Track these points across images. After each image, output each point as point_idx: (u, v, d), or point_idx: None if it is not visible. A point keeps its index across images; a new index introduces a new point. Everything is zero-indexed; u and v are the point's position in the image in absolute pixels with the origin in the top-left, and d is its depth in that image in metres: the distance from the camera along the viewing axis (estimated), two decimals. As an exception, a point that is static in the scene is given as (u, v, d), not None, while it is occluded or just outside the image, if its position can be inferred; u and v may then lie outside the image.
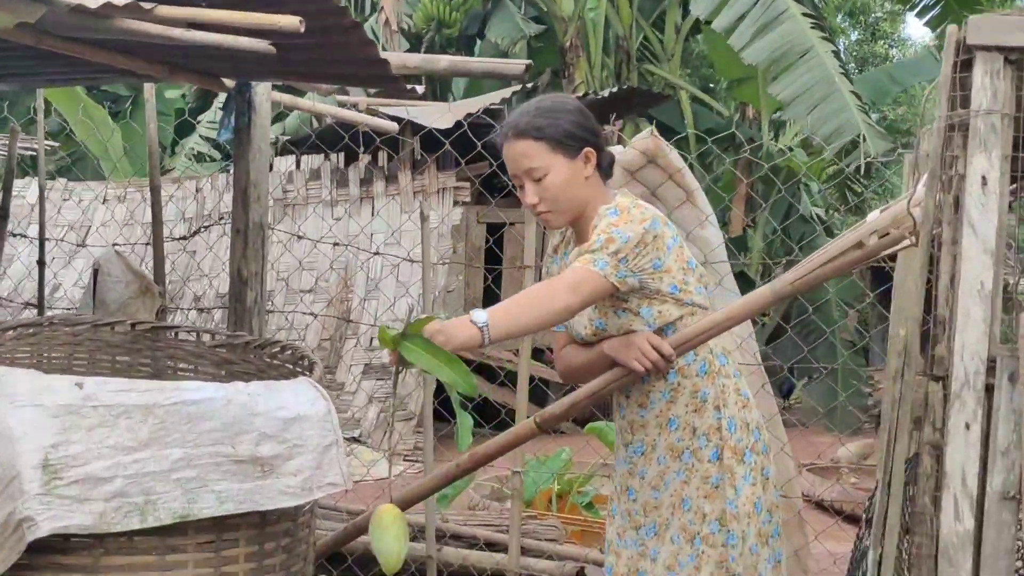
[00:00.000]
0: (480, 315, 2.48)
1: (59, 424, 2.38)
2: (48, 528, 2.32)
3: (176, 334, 3.33)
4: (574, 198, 2.72)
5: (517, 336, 2.69)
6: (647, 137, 3.61)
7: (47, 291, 9.93)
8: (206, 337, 3.32)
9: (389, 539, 2.42)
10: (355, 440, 7.98)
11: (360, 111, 5.26)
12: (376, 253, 4.43)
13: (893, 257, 3.28)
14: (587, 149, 2.71)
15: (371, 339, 8.51)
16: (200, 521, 2.50)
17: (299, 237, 6.76)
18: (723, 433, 2.78)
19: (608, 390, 2.83)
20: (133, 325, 3.31)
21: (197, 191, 9.88)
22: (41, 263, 4.81)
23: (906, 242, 2.44)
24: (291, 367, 3.08)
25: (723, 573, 2.78)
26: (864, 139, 8.93)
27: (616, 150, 3.72)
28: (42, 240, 4.64)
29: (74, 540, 2.43)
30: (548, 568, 3.87)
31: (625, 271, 2.62)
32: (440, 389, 2.94)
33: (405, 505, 3.37)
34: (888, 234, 2.51)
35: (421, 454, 4.61)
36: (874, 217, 2.55)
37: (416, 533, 4.07)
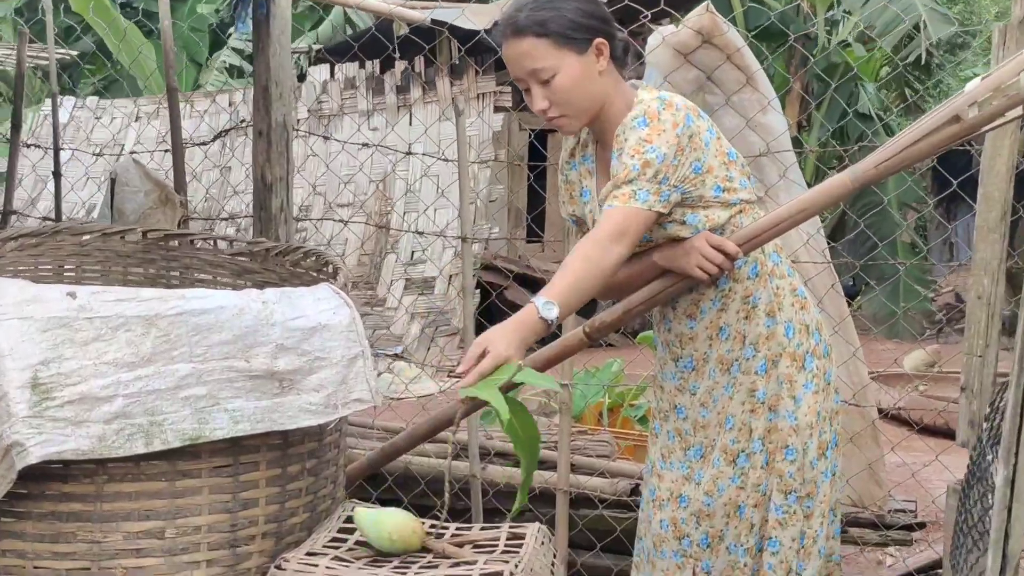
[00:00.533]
0: (548, 310, 2.22)
1: (50, 339, 2.12)
2: (40, 454, 2.07)
3: (193, 242, 3.07)
4: (589, 97, 2.40)
5: None
6: (702, 13, 3.25)
7: (81, 213, 9.78)
8: (224, 245, 3.05)
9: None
10: (397, 357, 7.77)
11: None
12: (408, 153, 4.11)
13: (979, 139, 2.94)
14: (598, 40, 2.38)
15: (411, 253, 8.26)
16: (214, 443, 2.25)
17: (325, 138, 6.43)
18: (780, 339, 2.50)
19: (662, 297, 2.54)
20: (145, 233, 3.04)
21: (230, 104, 9.60)
22: (57, 175, 4.58)
23: (1015, 112, 2.10)
24: (315, 275, 2.81)
25: (765, 498, 2.52)
26: (924, 25, 8.42)
27: (666, 30, 3.37)
28: (56, 150, 4.39)
29: (74, 467, 2.19)
30: (599, 486, 3.62)
31: (668, 191, 2.34)
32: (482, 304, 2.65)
33: (443, 425, 3.12)
34: (989, 105, 2.17)
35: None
36: (973, 87, 2.21)
37: (459, 452, 3.83)
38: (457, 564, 2.15)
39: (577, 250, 2.34)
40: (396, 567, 2.16)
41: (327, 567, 2.11)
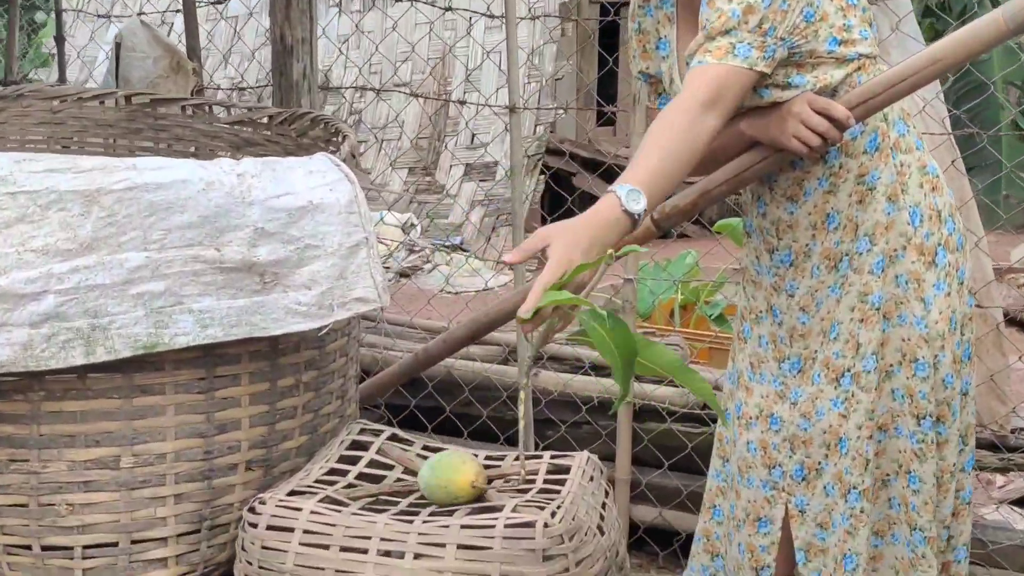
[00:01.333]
0: (632, 199, 1.68)
1: (-41, 219, 1.67)
2: (-57, 366, 1.64)
3: (185, 109, 2.59)
4: None
5: None
6: None
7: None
8: (221, 112, 2.57)
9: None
10: (457, 248, 7.30)
11: None
12: (448, 8, 3.56)
13: None
14: None
15: (472, 137, 7.73)
16: (180, 353, 1.79)
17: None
18: (903, 229, 1.97)
19: (749, 176, 2.03)
20: (128, 98, 2.57)
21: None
22: (60, 39, 4.12)
23: None
24: (325, 147, 2.32)
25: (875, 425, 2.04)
26: None
27: None
28: (59, 12, 3.93)
29: (3, 381, 1.75)
30: (670, 396, 3.13)
31: (774, 45, 1.82)
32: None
33: (488, 329, 2.65)
34: None
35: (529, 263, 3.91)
36: None
37: (507, 355, 3.36)
38: (475, 512, 1.69)
39: (661, 122, 1.82)
40: (401, 513, 1.69)
41: (313, 511, 1.65)
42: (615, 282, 3.23)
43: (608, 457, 3.22)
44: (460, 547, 1.59)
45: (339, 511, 1.65)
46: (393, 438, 1.98)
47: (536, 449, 3.24)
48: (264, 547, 1.64)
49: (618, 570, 1.75)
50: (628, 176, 1.73)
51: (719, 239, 3.81)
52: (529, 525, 1.60)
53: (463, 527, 1.61)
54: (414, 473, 1.83)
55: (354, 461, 1.89)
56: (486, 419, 3.32)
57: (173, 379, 1.81)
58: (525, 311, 1.56)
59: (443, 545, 1.59)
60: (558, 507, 1.67)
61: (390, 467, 1.89)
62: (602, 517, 1.79)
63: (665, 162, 1.75)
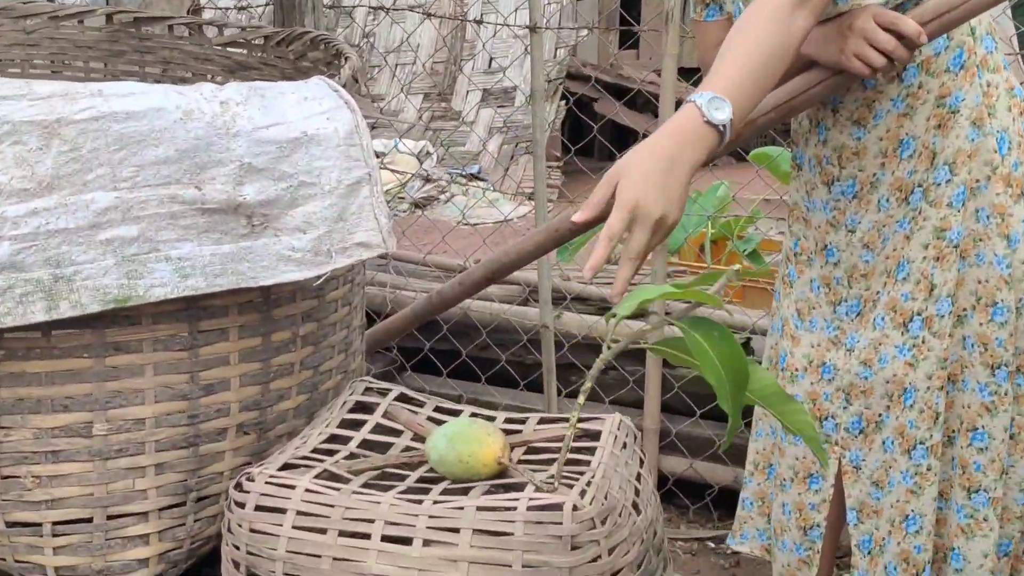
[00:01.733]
0: (715, 108, 1.46)
1: None
2: None
3: (172, 28, 2.34)
4: None
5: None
6: None
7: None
8: (212, 32, 2.33)
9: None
10: (474, 177, 7.04)
11: None
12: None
13: None
14: None
15: (489, 60, 7.43)
16: (159, 306, 1.58)
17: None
18: (988, 157, 1.75)
19: (802, 102, 1.80)
20: (109, 17, 2.33)
21: None
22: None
23: None
24: (326, 70, 2.08)
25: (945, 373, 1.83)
26: None
27: None
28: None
29: (-43, 338, 1.54)
30: (701, 340, 2.91)
31: None
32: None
33: (509, 270, 2.43)
34: None
35: (550, 192, 3.61)
36: None
37: (527, 295, 3.14)
38: (494, 491, 1.47)
39: (744, 23, 1.59)
40: (409, 490, 1.48)
41: (309, 489, 1.44)
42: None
43: (636, 405, 3.01)
44: (476, 532, 1.38)
45: (338, 488, 1.44)
46: (402, 398, 1.77)
47: (559, 396, 3.04)
48: (253, 530, 1.44)
49: (656, 553, 1.54)
50: (708, 84, 1.50)
51: (751, 169, 3.56)
52: (555, 508, 1.39)
53: (480, 509, 1.39)
54: (424, 440, 1.62)
55: (357, 426, 1.68)
56: (505, 363, 3.11)
57: (151, 335, 1.60)
58: (624, 311, 1.35)
59: (457, 530, 1.38)
60: (588, 484, 1.46)
61: (398, 432, 1.68)
62: (637, 492, 1.58)
63: (751, 67, 1.53)
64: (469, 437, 1.49)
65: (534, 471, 1.52)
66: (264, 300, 1.69)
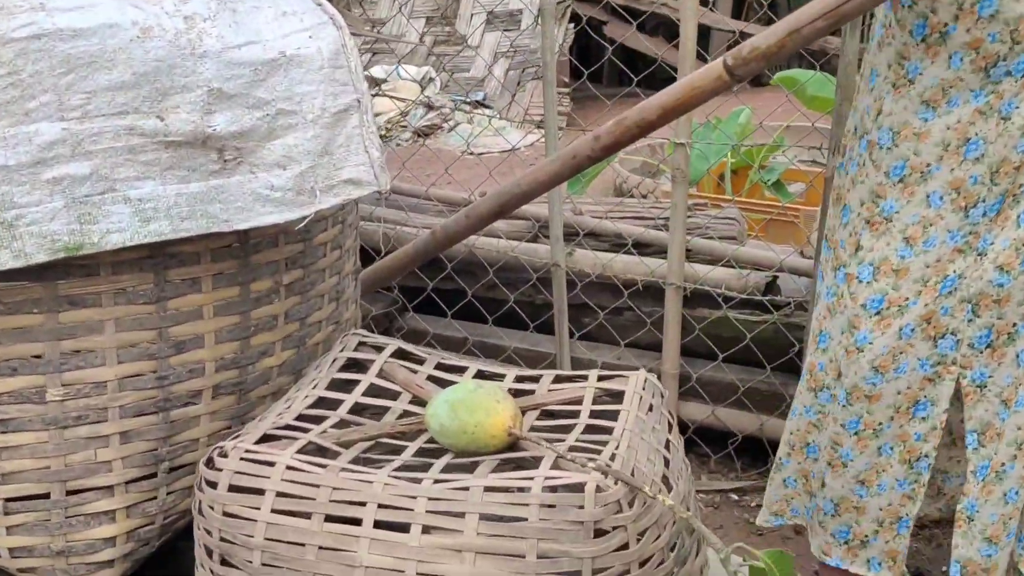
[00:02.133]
0: None
1: None
2: None
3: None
4: None
5: None
6: None
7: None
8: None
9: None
10: (479, 104, 6.79)
11: None
12: None
13: None
14: None
15: (496, -21, 7.13)
16: (123, 253, 1.37)
17: None
18: None
19: (852, 9, 1.57)
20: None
21: None
22: None
23: None
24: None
25: None
26: None
27: None
28: None
29: None
30: (724, 279, 2.71)
31: None
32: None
33: (519, 203, 2.23)
34: None
35: (560, 120, 3.37)
36: None
37: (537, 231, 2.94)
38: (504, 466, 1.29)
39: None
40: (406, 467, 1.29)
41: (291, 467, 1.25)
42: (656, 142, 2.77)
43: (653, 348, 2.82)
44: (484, 518, 1.19)
45: (324, 465, 1.25)
46: (399, 354, 1.57)
47: (572, 339, 2.84)
48: (227, 513, 1.25)
49: (689, 534, 1.35)
50: None
51: (772, 94, 3.32)
52: (576, 488, 1.19)
53: (488, 490, 1.20)
54: (424, 404, 1.43)
55: (348, 387, 1.48)
56: (513, 304, 2.91)
57: (112, 286, 1.40)
58: None
59: (461, 515, 1.19)
60: (612, 457, 1.27)
61: (394, 395, 1.49)
62: (667, 463, 1.39)
63: None
64: (474, 404, 1.29)
65: (550, 441, 1.33)
66: (241, 245, 1.49)
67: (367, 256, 2.74)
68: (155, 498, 1.49)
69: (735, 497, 2.72)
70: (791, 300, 2.65)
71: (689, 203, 2.74)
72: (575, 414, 1.45)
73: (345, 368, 1.53)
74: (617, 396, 1.48)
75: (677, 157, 2.56)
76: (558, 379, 1.55)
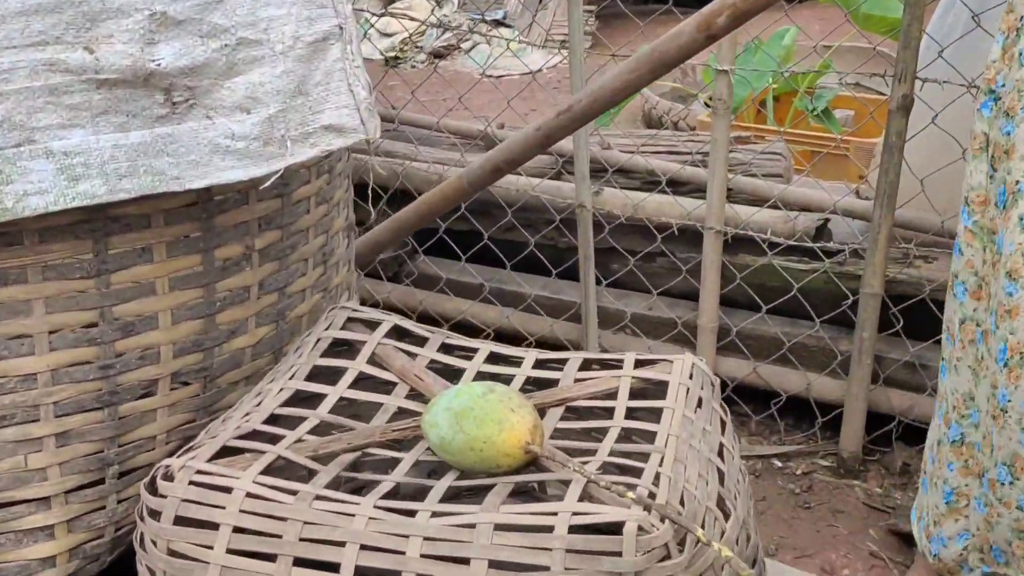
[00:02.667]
0: None
1: None
2: None
3: None
4: None
5: None
6: None
7: None
8: None
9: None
10: (498, 23, 6.43)
11: None
12: None
13: None
14: None
15: None
16: (48, 219, 1.11)
17: None
18: None
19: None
20: None
21: None
22: None
23: None
24: None
25: None
26: None
27: None
28: None
29: None
30: (769, 222, 2.42)
31: None
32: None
33: (533, 149, 1.95)
34: None
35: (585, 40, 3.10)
36: None
37: (561, 168, 2.65)
38: (518, 494, 1.03)
39: None
40: (395, 492, 1.04)
41: (251, 494, 0.99)
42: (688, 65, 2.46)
43: (688, 297, 2.55)
44: (494, 566, 0.93)
45: (295, 492, 1.00)
46: (396, 333, 1.31)
47: (599, 286, 2.57)
48: (172, 552, 1.00)
49: (752, 565, 1.09)
50: None
51: (819, 11, 3.00)
52: (611, 529, 0.94)
53: (500, 528, 0.95)
54: (425, 399, 1.17)
55: (333, 377, 1.22)
56: (534, 248, 2.64)
57: (39, 259, 1.14)
58: None
59: (466, 561, 0.94)
60: (654, 479, 1.01)
61: (389, 387, 1.23)
62: (721, 477, 1.13)
63: None
64: (484, 415, 1.03)
65: (577, 452, 1.07)
66: (202, 204, 1.22)
67: (374, 195, 2.48)
68: (103, 508, 1.24)
69: (778, 464, 2.46)
70: (844, 246, 2.37)
71: (732, 135, 2.44)
72: (608, 412, 1.19)
73: (330, 352, 1.27)
74: (659, 388, 1.22)
75: (719, 85, 2.26)
76: (587, 364, 1.28)
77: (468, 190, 2.14)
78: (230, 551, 0.97)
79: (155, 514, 1.00)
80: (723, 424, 1.23)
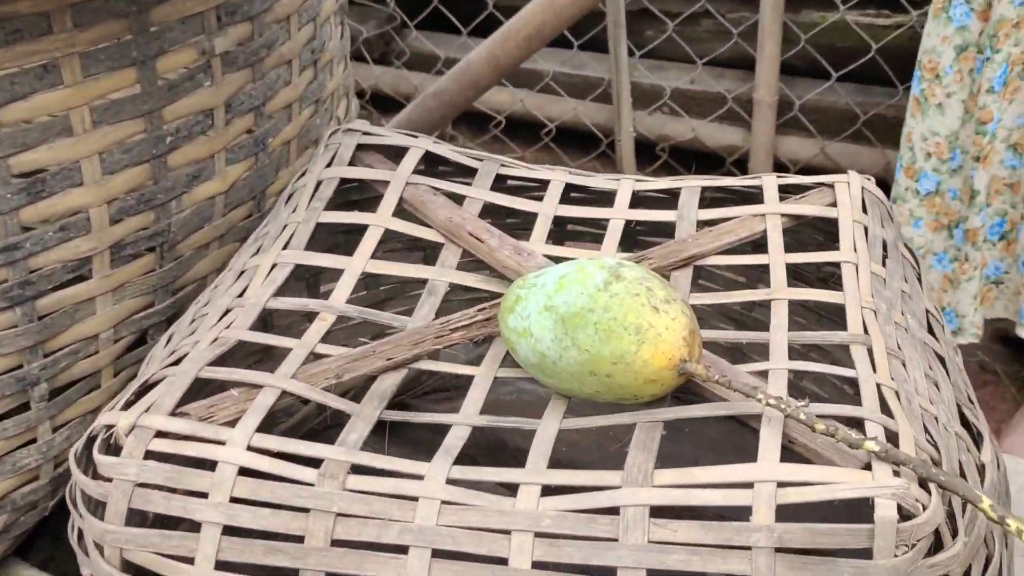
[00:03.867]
0: None
1: None
2: None
3: None
4: None
5: None
6: None
7: None
8: None
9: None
10: None
11: None
12: None
13: None
14: None
15: None
16: None
17: None
18: None
19: None
20: None
21: None
22: None
23: None
24: None
25: None
26: None
27: None
28: None
29: None
30: None
31: None
32: None
33: None
34: None
35: None
36: None
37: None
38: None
39: None
40: (473, 453, 0.66)
41: (249, 469, 0.61)
42: None
43: (740, 65, 2.14)
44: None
45: (318, 461, 0.62)
46: (427, 166, 0.91)
47: (632, 57, 2.15)
48: (128, 565, 0.63)
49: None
50: None
51: None
52: (827, 505, 0.57)
53: (656, 515, 0.58)
54: (490, 270, 0.79)
55: (345, 247, 0.83)
56: None
57: None
58: None
59: (612, 573, 0.57)
60: (882, 407, 0.64)
61: (432, 250, 0.84)
62: (947, 370, 0.76)
63: None
64: (611, 319, 0.63)
65: (723, 353, 0.69)
66: (126, -9, 0.80)
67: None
68: (33, 441, 0.87)
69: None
70: (935, -6, 1.93)
71: None
72: (758, 275, 0.80)
73: (336, 202, 0.87)
74: (824, 230, 0.83)
75: None
76: (707, 196, 0.89)
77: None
78: (220, 565, 0.60)
79: (97, 506, 0.63)
80: (919, 277, 0.85)
